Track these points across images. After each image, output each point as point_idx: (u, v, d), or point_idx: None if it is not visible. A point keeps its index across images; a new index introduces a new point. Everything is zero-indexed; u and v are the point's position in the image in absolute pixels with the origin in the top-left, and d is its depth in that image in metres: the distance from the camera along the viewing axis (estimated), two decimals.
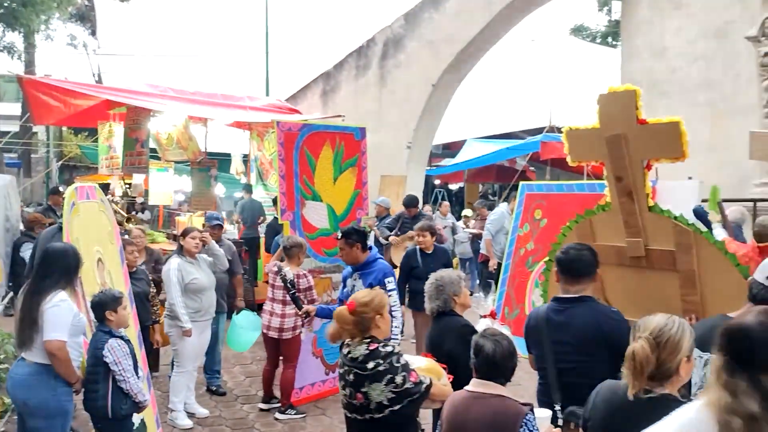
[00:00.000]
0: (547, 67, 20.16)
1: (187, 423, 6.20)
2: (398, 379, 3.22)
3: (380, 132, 12.44)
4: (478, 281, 11.67)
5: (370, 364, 3.25)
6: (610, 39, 27.80)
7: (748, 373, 1.95)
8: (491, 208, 11.99)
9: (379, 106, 13.59)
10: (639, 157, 3.68)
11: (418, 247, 7.43)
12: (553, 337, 3.49)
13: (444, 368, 3.72)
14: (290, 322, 6.34)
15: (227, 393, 7.10)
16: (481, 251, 10.77)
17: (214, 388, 7.12)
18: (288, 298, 6.14)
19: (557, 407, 3.44)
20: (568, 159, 4.22)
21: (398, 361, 3.26)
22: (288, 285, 6.10)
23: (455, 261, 13.14)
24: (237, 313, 7.09)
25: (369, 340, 3.35)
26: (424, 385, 3.28)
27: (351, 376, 3.32)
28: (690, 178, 6.74)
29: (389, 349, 3.32)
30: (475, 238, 12.51)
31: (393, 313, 5.34)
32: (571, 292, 3.58)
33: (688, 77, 9.83)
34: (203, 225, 8.01)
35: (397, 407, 3.23)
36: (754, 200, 7.45)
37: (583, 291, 3.58)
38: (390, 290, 5.46)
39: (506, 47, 18.81)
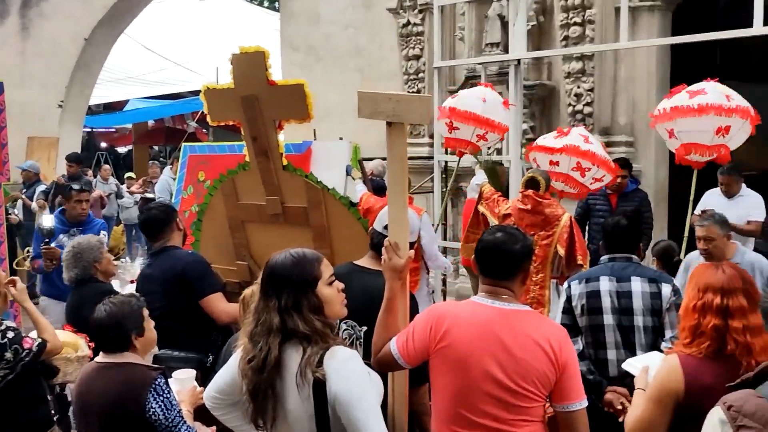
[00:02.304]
0: (215, 27, 19.93)
1: None
2: (8, 354, 3.15)
3: (26, 88, 11.20)
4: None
5: None
6: (276, 4, 28.37)
7: (265, 301, 2.26)
8: None
9: (22, 59, 12.17)
10: (271, 117, 3.81)
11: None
12: (144, 289, 3.62)
13: (86, 338, 3.58)
14: None
15: None
16: None
17: None
18: None
19: None
20: (208, 119, 4.23)
21: (3, 338, 3.16)
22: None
23: (120, 228, 12.49)
24: None
25: None
26: (36, 344, 3.26)
27: None
28: (341, 138, 7.26)
29: None
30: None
31: None
32: (156, 247, 3.92)
33: (340, 44, 10.44)
34: None
35: (11, 377, 3.17)
36: None
37: (166, 243, 3.90)
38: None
39: (174, 5, 18.14)
